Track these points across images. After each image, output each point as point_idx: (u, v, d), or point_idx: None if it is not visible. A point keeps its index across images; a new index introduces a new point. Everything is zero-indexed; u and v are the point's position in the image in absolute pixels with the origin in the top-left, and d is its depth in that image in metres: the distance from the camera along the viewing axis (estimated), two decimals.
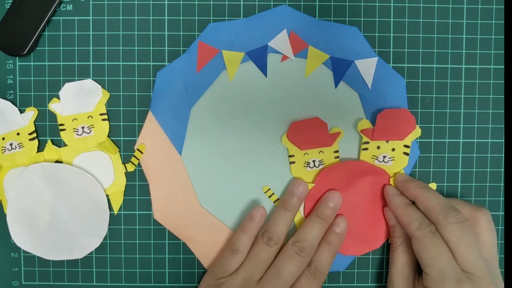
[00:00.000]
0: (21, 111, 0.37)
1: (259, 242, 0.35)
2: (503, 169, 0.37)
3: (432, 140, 0.37)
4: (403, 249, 0.35)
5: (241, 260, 0.35)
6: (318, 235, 0.35)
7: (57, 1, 0.36)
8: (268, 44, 0.37)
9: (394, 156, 0.36)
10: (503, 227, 0.37)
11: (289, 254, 0.34)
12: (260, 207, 0.36)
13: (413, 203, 0.35)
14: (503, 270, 0.37)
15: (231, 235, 0.37)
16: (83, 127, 0.37)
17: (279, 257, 0.35)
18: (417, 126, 0.36)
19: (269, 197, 0.37)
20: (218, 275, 0.35)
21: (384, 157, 0.36)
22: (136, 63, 0.37)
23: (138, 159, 0.37)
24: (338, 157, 0.37)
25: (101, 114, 0.37)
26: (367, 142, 0.36)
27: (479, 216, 0.34)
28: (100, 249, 0.37)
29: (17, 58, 0.37)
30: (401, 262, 0.35)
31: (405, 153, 0.36)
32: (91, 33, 0.37)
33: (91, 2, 0.37)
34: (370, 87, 0.37)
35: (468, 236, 0.32)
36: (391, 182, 0.36)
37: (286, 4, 0.37)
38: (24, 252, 0.38)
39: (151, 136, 0.37)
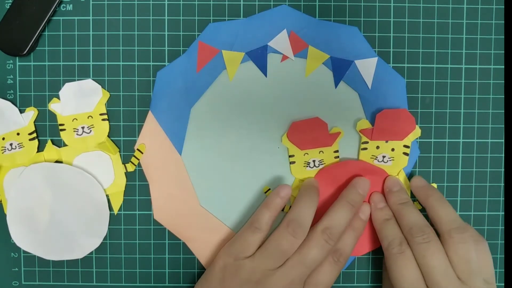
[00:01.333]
0: (21, 111, 0.37)
1: (283, 232, 0.33)
2: (503, 169, 0.37)
3: (432, 140, 0.37)
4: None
5: (262, 239, 0.34)
6: (347, 222, 0.34)
7: (57, 1, 0.36)
8: (268, 44, 0.37)
9: (394, 156, 0.36)
10: (503, 227, 0.37)
11: (318, 241, 0.33)
12: (285, 185, 0.35)
13: None
14: (503, 270, 0.37)
15: (231, 235, 0.37)
16: (83, 127, 0.37)
17: (305, 243, 0.33)
18: (417, 126, 0.36)
19: None
20: (238, 254, 0.34)
21: (384, 157, 0.36)
22: (136, 63, 0.37)
23: (138, 159, 0.37)
24: (338, 157, 0.37)
25: (101, 114, 0.37)
26: (366, 142, 0.36)
27: (450, 242, 0.32)
28: (100, 249, 0.37)
29: (17, 58, 0.37)
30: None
31: (405, 153, 0.36)
32: (91, 33, 0.37)
33: (91, 2, 0.37)
34: (370, 87, 0.37)
35: (432, 257, 0.32)
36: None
37: (286, 4, 0.37)
38: (24, 252, 0.38)
39: (151, 136, 0.37)
